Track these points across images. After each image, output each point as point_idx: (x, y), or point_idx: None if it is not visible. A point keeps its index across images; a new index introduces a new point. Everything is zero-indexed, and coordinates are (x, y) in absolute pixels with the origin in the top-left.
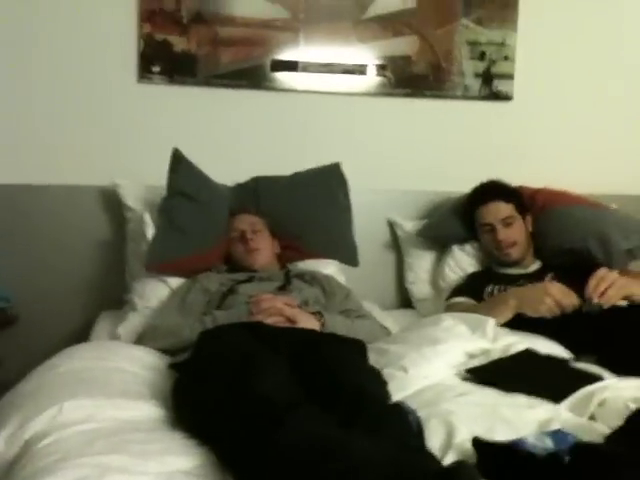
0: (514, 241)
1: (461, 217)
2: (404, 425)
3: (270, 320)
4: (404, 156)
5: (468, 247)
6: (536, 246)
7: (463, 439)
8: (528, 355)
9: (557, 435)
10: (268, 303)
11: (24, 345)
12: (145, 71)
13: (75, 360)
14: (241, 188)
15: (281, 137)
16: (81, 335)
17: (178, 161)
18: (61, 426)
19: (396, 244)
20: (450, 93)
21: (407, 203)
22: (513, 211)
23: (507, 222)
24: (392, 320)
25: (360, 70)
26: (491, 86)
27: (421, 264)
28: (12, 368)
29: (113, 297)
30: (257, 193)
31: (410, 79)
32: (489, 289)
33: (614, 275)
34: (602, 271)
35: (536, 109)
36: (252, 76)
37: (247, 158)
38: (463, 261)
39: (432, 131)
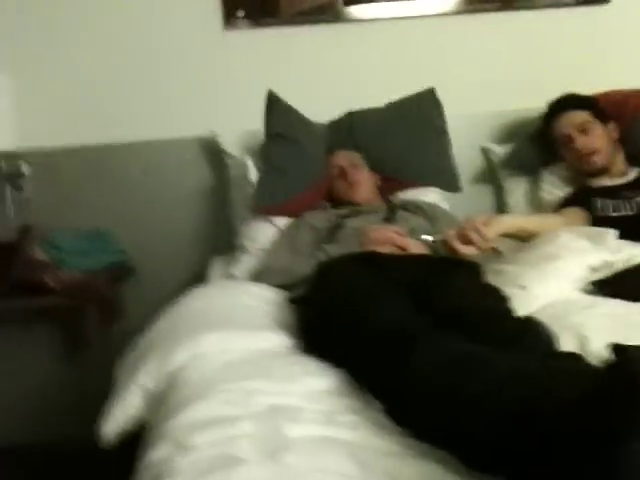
0: (595, 148)
1: (541, 139)
2: (540, 337)
3: (382, 249)
4: (498, 75)
5: (556, 169)
6: (632, 153)
7: (598, 348)
8: None
9: None
10: (377, 233)
11: (142, 295)
12: (229, 17)
13: (201, 300)
14: (336, 125)
15: (371, 68)
16: (196, 281)
17: (273, 103)
18: (200, 357)
19: (492, 169)
20: (543, 2)
21: (505, 124)
22: (589, 117)
23: (583, 129)
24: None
25: None
26: None
27: (518, 188)
28: (134, 317)
29: (222, 243)
30: (352, 128)
31: None
32: (602, 203)
33: None
34: None
35: (635, 12)
36: (334, 9)
37: (340, 93)
38: (556, 183)
39: (525, 45)
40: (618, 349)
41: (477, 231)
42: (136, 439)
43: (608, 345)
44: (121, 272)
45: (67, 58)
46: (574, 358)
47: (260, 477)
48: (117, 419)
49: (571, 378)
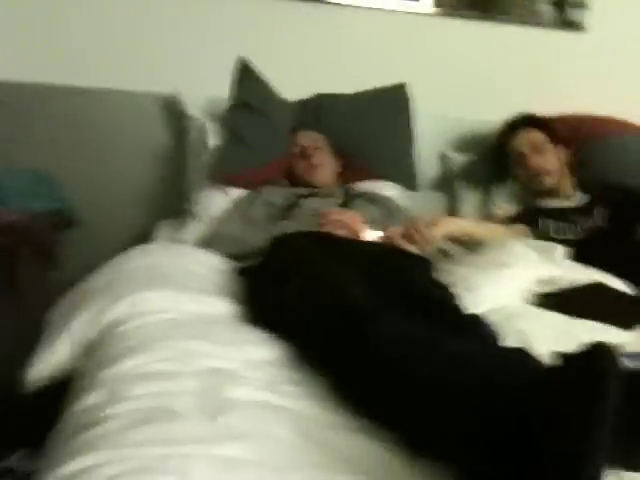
0: (546, 169)
1: (496, 154)
2: (488, 332)
3: (338, 232)
4: (467, 81)
5: (508, 186)
6: (580, 178)
7: (542, 355)
8: (600, 287)
9: (635, 357)
10: (337, 216)
11: (82, 248)
12: None
13: (146, 257)
14: (304, 104)
15: (344, 54)
16: (141, 241)
17: (244, 71)
18: (142, 313)
19: (448, 176)
20: (521, 19)
21: (465, 132)
22: (543, 138)
23: (538, 149)
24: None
25: None
26: (564, 14)
27: (471, 199)
28: (71, 268)
29: (172, 207)
30: (320, 110)
31: (481, 1)
32: (545, 224)
33: None
34: None
35: (610, 41)
36: None
37: (311, 74)
38: (507, 199)
39: (498, 57)
40: (560, 356)
41: (420, 232)
42: (59, 387)
43: (553, 353)
44: (62, 220)
45: None
46: (521, 350)
47: (197, 433)
48: (45, 365)
49: (525, 364)
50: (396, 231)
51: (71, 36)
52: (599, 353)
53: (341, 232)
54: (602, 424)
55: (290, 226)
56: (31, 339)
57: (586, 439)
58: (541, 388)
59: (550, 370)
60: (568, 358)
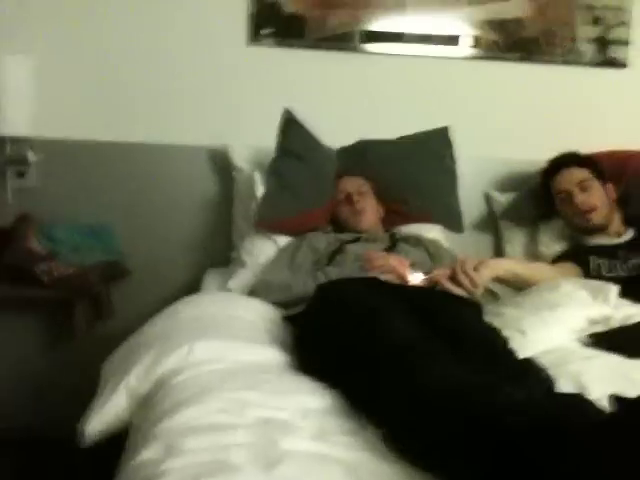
0: (593, 205)
1: (541, 193)
2: (542, 378)
3: (383, 277)
4: (510, 123)
5: (554, 224)
6: (629, 214)
7: (597, 398)
8: None
9: None
10: (382, 260)
11: (135, 298)
12: (255, 33)
13: (196, 307)
14: (347, 151)
15: (388, 101)
16: (190, 290)
17: (289, 121)
18: (194, 364)
19: (493, 216)
20: (562, 58)
21: (509, 172)
22: (589, 175)
23: (583, 186)
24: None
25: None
26: (605, 52)
27: (517, 239)
28: (123, 318)
29: (219, 255)
30: (363, 156)
31: (521, 43)
32: (596, 262)
33: None
34: None
35: None
36: (357, 39)
37: (353, 121)
38: (554, 238)
39: (539, 98)
40: (618, 400)
41: (467, 274)
42: (113, 440)
43: (609, 396)
44: (115, 271)
45: (93, 51)
46: (580, 397)
47: None
48: (102, 419)
49: (581, 410)
50: (443, 273)
51: (124, 92)
52: None
53: (387, 277)
54: None
55: (335, 272)
56: (82, 390)
57: None
58: (603, 434)
59: (612, 416)
60: (629, 403)
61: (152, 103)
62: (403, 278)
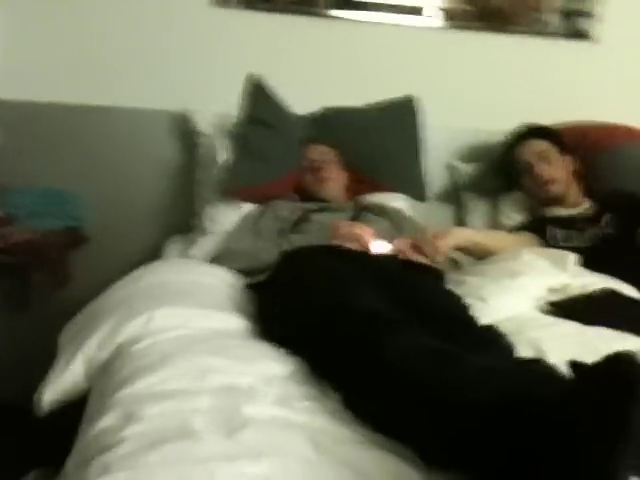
0: (552, 177)
1: (502, 165)
2: (502, 344)
3: (348, 245)
4: (476, 93)
5: (515, 196)
6: (589, 186)
7: (556, 363)
8: (612, 293)
9: None
10: (347, 229)
11: (95, 266)
12: None
13: (157, 274)
14: (313, 118)
15: (354, 68)
16: (151, 257)
17: (255, 87)
18: (155, 331)
19: (456, 187)
20: (527, 29)
21: (473, 143)
22: (549, 147)
23: (543, 158)
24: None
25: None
26: (571, 24)
27: (479, 209)
28: (84, 286)
29: (181, 223)
30: (329, 124)
31: (487, 13)
32: (553, 232)
33: None
34: None
35: (619, 51)
36: (326, 4)
37: (320, 88)
38: (515, 209)
39: (506, 68)
40: (576, 366)
41: (430, 243)
42: (74, 407)
43: (568, 361)
44: (74, 238)
45: (57, 15)
46: (540, 363)
47: (214, 451)
48: (59, 387)
49: (542, 378)
50: (406, 242)
51: (83, 55)
52: (623, 362)
53: (351, 245)
54: (631, 433)
55: (300, 240)
56: (39, 357)
57: (615, 448)
58: (565, 399)
59: (574, 381)
60: (591, 368)
61: (115, 66)
62: (367, 247)
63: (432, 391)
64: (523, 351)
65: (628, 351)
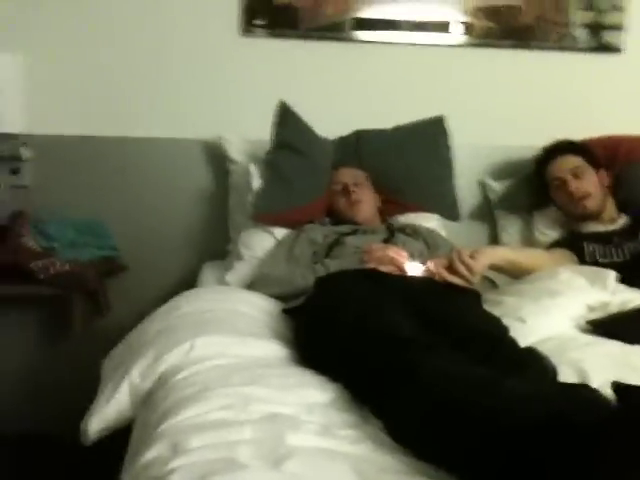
0: (587, 192)
1: (535, 181)
2: (544, 367)
3: (383, 269)
4: (504, 110)
5: (549, 212)
6: (622, 200)
7: (599, 385)
8: None
9: None
10: (381, 252)
11: (132, 294)
12: (248, 24)
13: (195, 302)
14: (343, 142)
15: (380, 91)
16: (188, 284)
17: (284, 113)
18: (195, 360)
19: (488, 204)
20: (556, 44)
21: (504, 160)
22: (582, 162)
23: (576, 173)
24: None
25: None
26: (599, 37)
27: (512, 226)
28: (121, 314)
29: (216, 249)
30: (358, 146)
31: (514, 30)
32: (590, 248)
33: None
34: None
35: None
36: (349, 28)
37: (349, 112)
38: (549, 225)
39: (533, 84)
40: (620, 388)
41: (464, 263)
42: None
43: (612, 383)
44: (111, 267)
45: (83, 47)
46: (586, 388)
47: None
48: (104, 416)
49: (587, 404)
50: (440, 263)
51: (116, 87)
52: None
53: (386, 268)
54: None
55: (334, 264)
56: (81, 387)
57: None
58: (608, 425)
59: (619, 406)
60: (631, 390)
61: (145, 97)
62: (401, 269)
63: (469, 417)
64: (565, 372)
65: None
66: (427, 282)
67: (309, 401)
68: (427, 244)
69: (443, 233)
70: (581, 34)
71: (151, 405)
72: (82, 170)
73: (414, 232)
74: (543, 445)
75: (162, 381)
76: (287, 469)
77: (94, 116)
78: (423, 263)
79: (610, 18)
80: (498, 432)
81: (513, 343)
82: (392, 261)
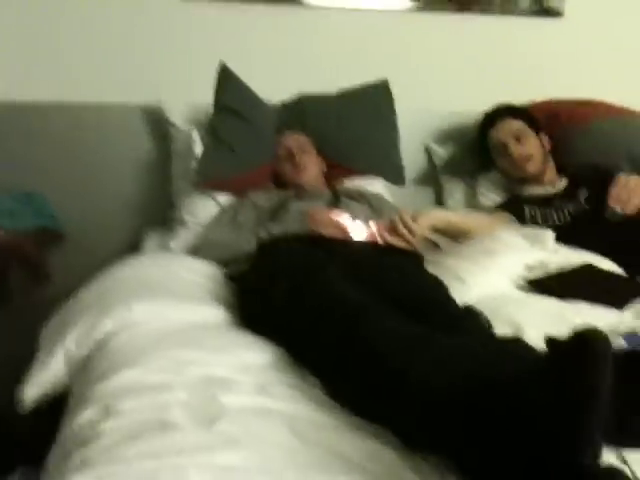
0: (528, 155)
1: (477, 146)
2: (480, 323)
3: (325, 232)
4: (449, 75)
5: (492, 176)
6: (560, 163)
7: (533, 339)
8: (589, 268)
9: (632, 337)
10: (322, 215)
11: (72, 262)
12: None
13: (135, 268)
14: (286, 106)
15: (324, 54)
16: (130, 252)
17: (226, 77)
18: (132, 325)
19: (433, 169)
20: (499, 8)
21: (449, 124)
22: (523, 126)
23: (518, 137)
24: None
25: None
26: (541, 1)
27: (457, 191)
28: (60, 283)
29: (158, 216)
30: (303, 111)
31: None
32: (529, 211)
33: (636, 181)
34: (624, 179)
35: (588, 27)
36: None
37: (291, 76)
38: (492, 189)
39: (477, 49)
40: (552, 341)
41: (406, 225)
42: (55, 404)
43: (544, 337)
44: (50, 237)
45: (18, 8)
46: (517, 341)
47: (193, 442)
48: (40, 383)
49: (519, 356)
50: (382, 226)
51: (53, 51)
52: (590, 337)
53: (329, 231)
54: (599, 406)
55: (278, 229)
56: (25, 356)
57: (585, 421)
58: (539, 377)
59: (546, 358)
60: (561, 343)
61: (82, 61)
62: (344, 231)
63: (407, 375)
64: (501, 328)
65: (595, 327)
66: (367, 245)
67: (245, 362)
68: (372, 208)
69: (389, 198)
70: None
71: (86, 370)
72: (15, 138)
73: (359, 196)
74: (467, 400)
75: (98, 347)
76: (219, 429)
77: (28, 80)
78: (366, 225)
79: None
80: (424, 388)
81: (450, 301)
82: (334, 224)
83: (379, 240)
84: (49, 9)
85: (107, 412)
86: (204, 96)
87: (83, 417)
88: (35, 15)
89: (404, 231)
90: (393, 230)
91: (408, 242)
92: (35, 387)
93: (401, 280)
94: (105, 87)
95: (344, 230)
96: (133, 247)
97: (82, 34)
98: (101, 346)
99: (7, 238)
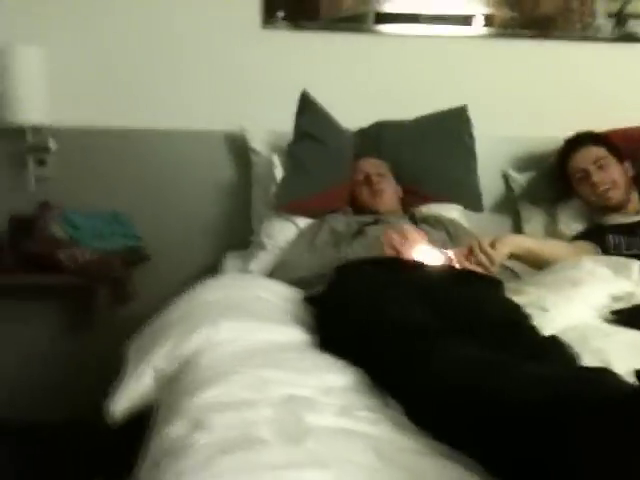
0: (611, 183)
1: (557, 173)
2: (565, 353)
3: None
4: (528, 101)
5: (573, 204)
6: None
7: (620, 371)
8: None
9: None
10: (399, 234)
11: (155, 282)
12: (269, 16)
13: (217, 289)
14: (364, 133)
15: (404, 82)
16: (210, 274)
17: (306, 103)
18: (217, 344)
19: (511, 196)
20: (579, 34)
21: (527, 151)
22: (605, 153)
23: (600, 164)
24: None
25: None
26: (623, 27)
27: (536, 218)
28: (145, 302)
29: (238, 239)
30: (380, 137)
31: (537, 20)
32: (612, 239)
33: None
34: None
35: None
36: (371, 20)
37: (370, 103)
38: (573, 217)
39: (559, 74)
40: None
41: (484, 252)
42: (138, 420)
43: (634, 370)
44: (135, 257)
45: (106, 40)
46: (606, 371)
47: (282, 459)
48: (128, 397)
49: (602, 385)
50: (461, 252)
51: (140, 79)
52: None
53: (391, 251)
54: None
55: (355, 253)
56: (105, 374)
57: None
58: (627, 407)
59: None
60: None
61: (168, 89)
62: (414, 245)
63: (480, 398)
64: (588, 361)
65: None
66: (445, 270)
67: (327, 384)
68: (449, 234)
69: (465, 224)
70: (605, 24)
71: (173, 387)
72: (106, 161)
73: (436, 222)
74: (549, 425)
75: (184, 364)
76: (307, 447)
77: (119, 108)
78: (444, 252)
79: (634, 7)
80: (505, 412)
81: (533, 330)
82: (411, 239)
83: (457, 266)
84: (143, 40)
85: (197, 426)
86: (285, 123)
87: (173, 430)
88: (131, 47)
89: (482, 258)
90: (470, 256)
91: (485, 269)
92: (125, 400)
93: (481, 304)
94: (192, 115)
95: (411, 245)
96: (213, 269)
97: (171, 66)
98: (188, 363)
99: (95, 258)
